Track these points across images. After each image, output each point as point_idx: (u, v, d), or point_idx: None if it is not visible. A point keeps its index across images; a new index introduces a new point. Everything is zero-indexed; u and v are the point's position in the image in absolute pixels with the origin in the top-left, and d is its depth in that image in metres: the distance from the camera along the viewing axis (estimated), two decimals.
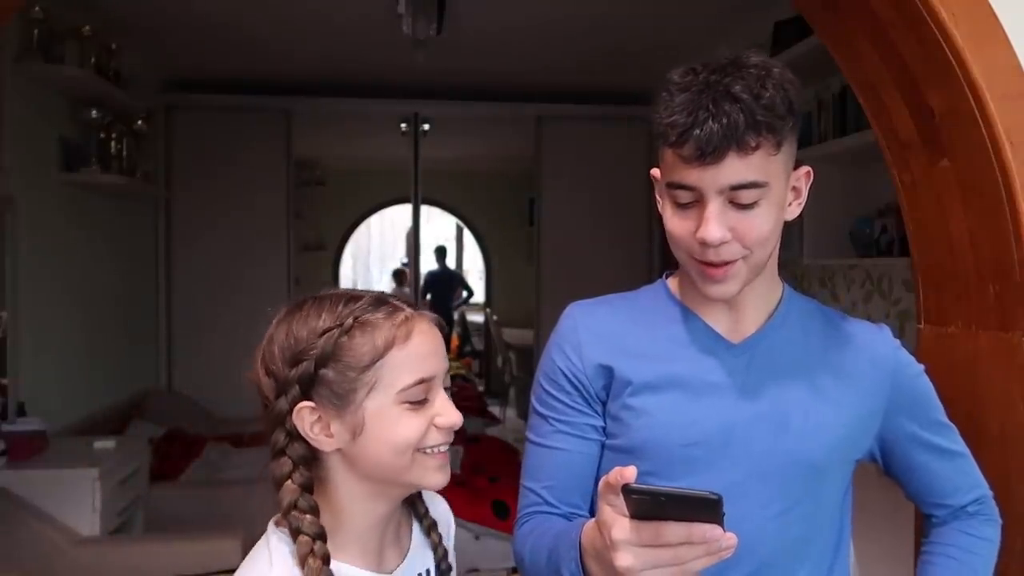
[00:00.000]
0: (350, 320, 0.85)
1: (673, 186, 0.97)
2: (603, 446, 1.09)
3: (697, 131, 0.91)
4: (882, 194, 2.62)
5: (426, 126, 5.33)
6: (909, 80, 1.43)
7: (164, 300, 4.85)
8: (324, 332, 0.85)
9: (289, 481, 0.86)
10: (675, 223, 0.99)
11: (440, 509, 1.06)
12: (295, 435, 0.86)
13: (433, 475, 0.89)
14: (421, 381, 0.86)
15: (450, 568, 1.00)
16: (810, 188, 1.07)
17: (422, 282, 8.33)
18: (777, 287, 1.11)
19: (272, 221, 4.99)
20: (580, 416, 1.08)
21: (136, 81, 4.01)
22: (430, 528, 1.00)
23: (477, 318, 9.24)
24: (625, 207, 5.24)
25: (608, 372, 1.06)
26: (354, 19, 3.68)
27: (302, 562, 0.83)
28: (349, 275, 9.95)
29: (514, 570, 1.15)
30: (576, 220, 5.23)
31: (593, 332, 1.08)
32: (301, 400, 0.85)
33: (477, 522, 3.40)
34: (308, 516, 0.84)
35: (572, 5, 3.48)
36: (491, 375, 8.08)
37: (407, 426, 0.86)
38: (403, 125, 5.35)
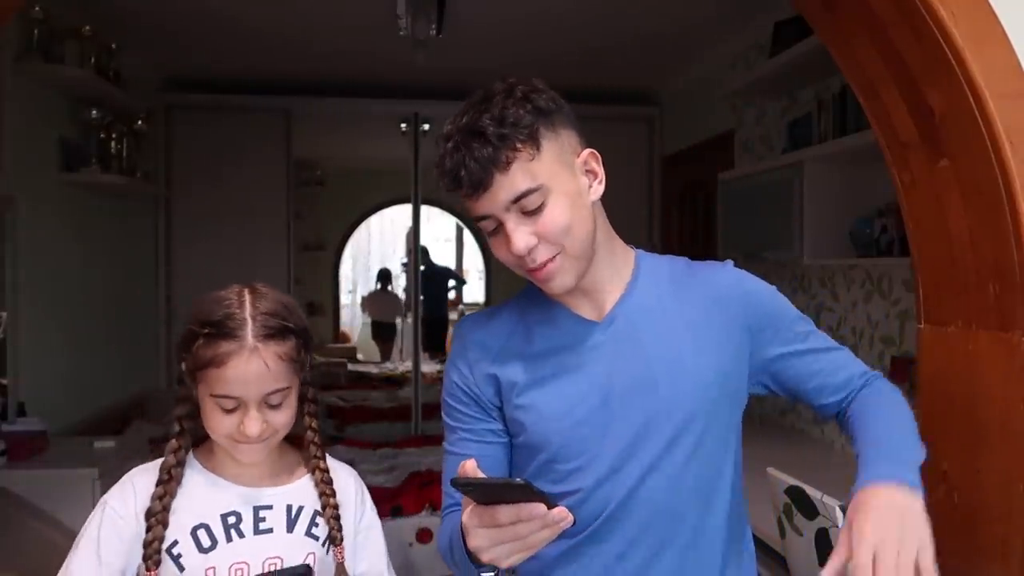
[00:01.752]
0: (205, 330, 1.12)
1: (476, 219, 1.10)
2: (510, 445, 1.22)
3: (462, 173, 1.05)
4: (882, 194, 2.61)
5: (426, 126, 5.33)
6: (909, 80, 1.43)
7: (164, 300, 4.84)
8: (192, 326, 1.14)
9: (180, 405, 1.19)
10: (496, 248, 1.11)
11: (340, 475, 1.28)
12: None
13: (240, 455, 1.16)
14: (228, 396, 1.12)
15: (339, 528, 1.23)
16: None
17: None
18: (628, 262, 1.21)
19: (272, 221, 4.99)
20: (479, 423, 1.21)
21: (136, 81, 4.01)
22: (321, 481, 1.24)
23: None
24: (624, 206, 5.23)
25: (495, 380, 1.19)
26: (354, 19, 3.68)
27: (166, 453, 1.18)
28: (349, 275, 9.94)
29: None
30: None
31: (479, 345, 1.21)
32: (181, 357, 1.16)
33: None
34: (177, 426, 1.18)
35: (572, 6, 3.48)
36: None
37: (217, 420, 1.13)
38: (403, 125, 5.35)
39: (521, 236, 1.06)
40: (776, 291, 1.23)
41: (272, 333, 1.14)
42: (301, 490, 1.24)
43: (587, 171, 1.14)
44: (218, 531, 1.17)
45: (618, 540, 1.14)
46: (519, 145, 1.04)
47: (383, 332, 9.17)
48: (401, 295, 9.33)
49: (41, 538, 2.49)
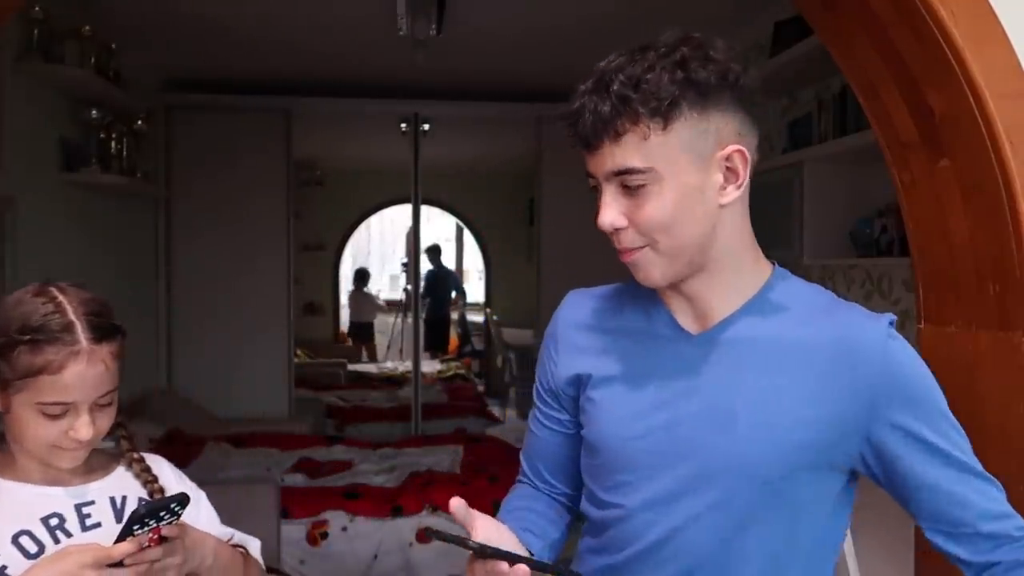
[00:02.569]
0: (26, 337, 1.05)
1: (586, 176, 1.00)
2: (576, 438, 1.14)
3: (579, 121, 0.95)
4: (882, 194, 2.61)
5: (426, 126, 5.33)
6: (909, 80, 1.43)
7: (164, 300, 4.84)
8: (9, 334, 1.05)
9: None
10: (598, 212, 1.00)
11: (154, 463, 1.26)
12: None
13: (61, 461, 1.11)
14: (59, 403, 1.06)
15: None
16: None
17: (423, 282, 8.30)
18: (757, 280, 1.03)
19: (272, 221, 4.99)
20: (549, 408, 1.16)
21: (136, 81, 4.01)
22: (142, 470, 1.21)
23: (477, 318, 9.24)
24: None
25: (572, 368, 1.11)
26: (354, 19, 3.68)
27: None
28: (349, 275, 9.95)
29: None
30: (576, 220, 5.21)
31: (570, 327, 1.13)
32: None
33: None
34: None
35: (572, 5, 3.48)
36: (491, 375, 8.09)
37: (41, 428, 1.07)
38: (403, 125, 5.35)
39: (610, 212, 0.96)
40: (933, 378, 1.01)
41: (103, 334, 1.11)
42: (120, 481, 1.21)
43: (728, 168, 0.96)
44: (42, 535, 1.10)
45: None
46: (641, 118, 0.91)
47: (361, 332, 9.16)
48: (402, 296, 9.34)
49: None
